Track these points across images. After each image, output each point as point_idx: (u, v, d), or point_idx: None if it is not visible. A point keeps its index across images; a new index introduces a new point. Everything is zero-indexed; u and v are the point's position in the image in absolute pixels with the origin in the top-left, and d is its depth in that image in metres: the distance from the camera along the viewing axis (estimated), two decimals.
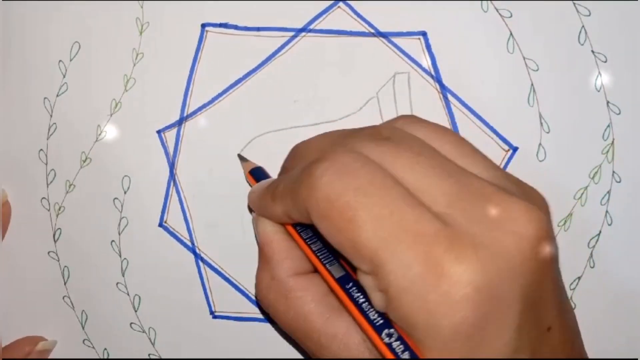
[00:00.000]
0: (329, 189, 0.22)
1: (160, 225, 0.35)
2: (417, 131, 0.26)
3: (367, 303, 0.23)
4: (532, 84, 0.33)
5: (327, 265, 0.26)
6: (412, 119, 0.28)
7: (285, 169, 0.30)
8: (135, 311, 0.35)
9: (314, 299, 0.26)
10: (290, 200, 0.25)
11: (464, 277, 0.20)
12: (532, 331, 0.22)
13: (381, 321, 0.23)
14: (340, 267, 0.25)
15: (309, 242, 0.27)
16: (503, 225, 0.22)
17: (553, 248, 0.23)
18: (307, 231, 0.27)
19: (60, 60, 0.36)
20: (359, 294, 0.24)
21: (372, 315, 0.23)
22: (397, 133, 0.26)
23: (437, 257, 0.21)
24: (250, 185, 0.34)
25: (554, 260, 0.23)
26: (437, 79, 0.34)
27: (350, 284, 0.24)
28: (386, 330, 0.22)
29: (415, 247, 0.21)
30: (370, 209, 0.22)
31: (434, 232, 0.21)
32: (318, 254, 0.26)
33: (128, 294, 0.35)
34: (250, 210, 0.34)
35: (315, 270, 0.27)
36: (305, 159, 0.27)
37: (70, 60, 0.36)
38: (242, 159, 0.34)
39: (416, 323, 0.21)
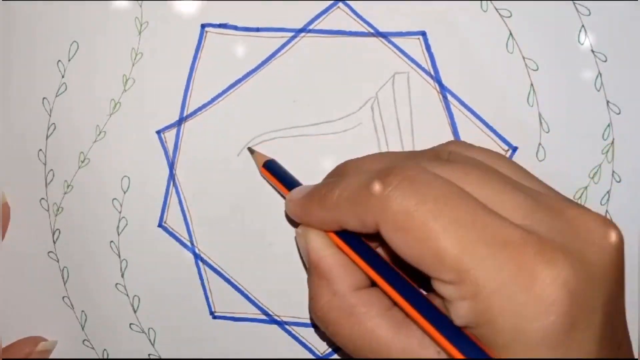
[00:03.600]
0: (405, 201, 0.22)
1: (160, 225, 0.35)
2: (474, 154, 0.27)
3: (439, 314, 0.23)
4: (532, 84, 0.33)
5: (389, 278, 0.25)
6: (464, 143, 0.29)
7: (324, 184, 0.30)
8: (135, 312, 0.35)
9: (379, 313, 0.25)
10: (349, 210, 0.25)
11: (558, 281, 0.20)
12: (609, 345, 0.22)
13: (457, 333, 0.22)
14: (402, 279, 0.25)
15: (363, 255, 0.26)
16: (583, 236, 0.22)
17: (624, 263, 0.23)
18: (354, 241, 0.26)
19: (59, 60, 0.36)
20: (429, 305, 0.24)
21: (447, 327, 0.23)
22: (456, 155, 0.26)
23: (528, 261, 0.21)
24: (264, 177, 0.33)
25: (624, 275, 0.23)
26: (437, 79, 0.34)
27: (417, 296, 0.24)
28: (465, 341, 0.22)
29: (504, 251, 0.21)
30: (452, 217, 0.22)
31: (520, 237, 0.21)
32: (375, 267, 0.25)
33: (127, 295, 0.35)
34: (288, 219, 0.34)
35: (373, 284, 0.26)
36: (359, 173, 0.26)
37: (69, 60, 0.36)
38: (252, 151, 0.34)
39: (503, 327, 0.21)
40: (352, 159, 0.31)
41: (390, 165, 0.24)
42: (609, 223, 0.23)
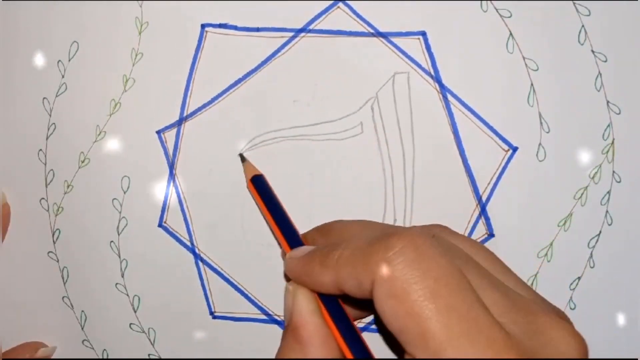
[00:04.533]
0: (406, 270, 0.22)
1: (160, 225, 0.35)
2: (457, 242, 0.27)
3: None
4: (532, 84, 0.33)
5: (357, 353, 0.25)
6: (448, 229, 0.29)
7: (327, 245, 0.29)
8: (135, 312, 0.35)
9: None
10: (349, 270, 0.24)
11: None
12: None
13: None
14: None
15: (339, 324, 0.26)
16: (553, 343, 0.23)
17: None
18: (337, 310, 0.26)
19: (59, 60, 0.36)
20: None
21: None
22: (442, 240, 0.26)
23: None
24: (249, 192, 0.33)
25: None
26: (437, 79, 0.34)
27: None
28: None
29: (488, 350, 0.21)
30: (448, 302, 0.22)
31: (503, 339, 0.21)
32: (347, 341, 0.25)
33: (127, 295, 0.35)
34: (286, 277, 0.33)
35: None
36: (354, 238, 0.26)
37: (69, 60, 0.36)
38: (243, 159, 0.34)
39: None
40: (340, 220, 0.31)
41: (394, 230, 0.24)
42: (576, 334, 0.23)
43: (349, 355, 0.25)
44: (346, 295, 0.25)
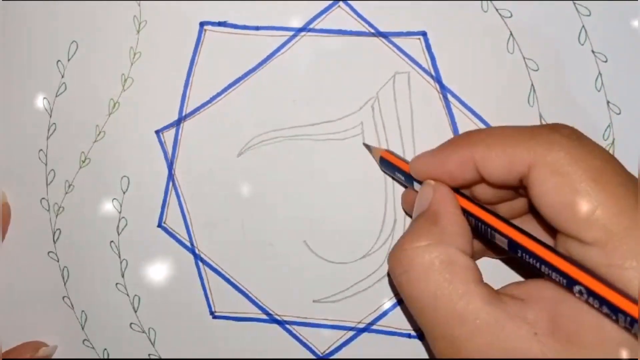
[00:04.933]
0: (575, 150, 0.22)
1: (159, 225, 0.35)
2: None
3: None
4: (532, 84, 0.33)
5: (514, 227, 0.24)
6: None
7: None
8: (135, 311, 0.35)
9: (475, 280, 0.24)
10: (501, 150, 0.24)
11: None
12: None
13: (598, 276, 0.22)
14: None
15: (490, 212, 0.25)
16: None
17: None
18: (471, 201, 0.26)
19: (58, 60, 0.35)
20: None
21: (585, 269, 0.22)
22: None
23: None
24: (382, 167, 0.33)
25: None
26: (437, 79, 0.34)
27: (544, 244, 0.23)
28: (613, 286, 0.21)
29: None
30: (616, 179, 0.22)
31: None
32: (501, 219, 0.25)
33: (127, 295, 0.35)
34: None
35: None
36: (495, 128, 0.26)
37: (69, 59, 0.35)
38: (368, 147, 0.34)
39: None
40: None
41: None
42: None
43: (501, 225, 0.25)
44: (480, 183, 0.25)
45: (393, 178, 0.34)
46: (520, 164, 0.23)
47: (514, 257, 0.25)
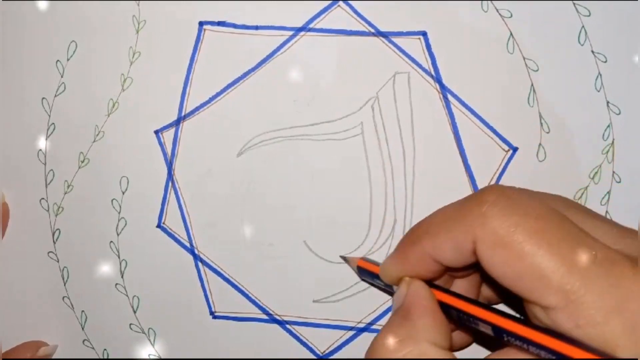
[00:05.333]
0: (506, 217, 0.22)
1: (159, 226, 0.35)
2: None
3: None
4: (532, 84, 0.33)
5: (489, 309, 0.24)
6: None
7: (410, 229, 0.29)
8: (135, 312, 0.35)
9: None
10: (444, 235, 0.24)
11: None
12: None
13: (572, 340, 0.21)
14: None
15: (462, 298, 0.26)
16: None
17: None
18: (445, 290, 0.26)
19: (57, 60, 0.35)
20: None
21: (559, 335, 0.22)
22: (528, 190, 0.26)
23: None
24: (362, 276, 0.33)
25: None
26: (437, 79, 0.34)
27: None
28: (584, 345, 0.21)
29: (614, 269, 0.21)
30: (557, 235, 0.21)
31: (623, 259, 0.21)
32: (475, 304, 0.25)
33: (127, 295, 0.35)
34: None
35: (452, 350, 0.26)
36: (436, 212, 0.25)
37: (68, 59, 0.35)
38: (345, 259, 0.34)
39: (619, 342, 0.20)
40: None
41: (477, 192, 0.24)
42: None
43: (476, 310, 0.25)
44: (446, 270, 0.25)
45: (373, 285, 0.34)
46: (464, 244, 0.23)
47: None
